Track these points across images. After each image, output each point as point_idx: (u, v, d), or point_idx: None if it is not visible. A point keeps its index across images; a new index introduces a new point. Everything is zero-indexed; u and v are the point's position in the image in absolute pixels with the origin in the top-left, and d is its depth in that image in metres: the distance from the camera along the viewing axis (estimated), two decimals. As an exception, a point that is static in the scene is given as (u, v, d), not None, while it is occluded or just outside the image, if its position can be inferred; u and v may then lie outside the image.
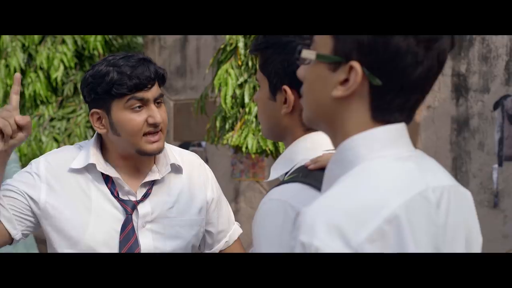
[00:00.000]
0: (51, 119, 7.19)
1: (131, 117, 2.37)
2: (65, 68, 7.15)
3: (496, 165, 5.28)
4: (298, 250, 1.29)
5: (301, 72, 1.50)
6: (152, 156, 2.49)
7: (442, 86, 5.58)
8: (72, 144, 6.66)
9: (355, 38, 1.37)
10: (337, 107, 1.42)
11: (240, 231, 2.75)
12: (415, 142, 5.41)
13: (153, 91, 2.39)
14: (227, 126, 5.22)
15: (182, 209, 2.53)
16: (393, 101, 1.39)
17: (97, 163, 2.42)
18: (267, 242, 1.68)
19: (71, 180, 2.43)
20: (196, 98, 5.84)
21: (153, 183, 2.50)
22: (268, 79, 1.86)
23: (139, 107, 2.37)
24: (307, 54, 1.44)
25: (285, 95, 1.83)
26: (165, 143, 2.49)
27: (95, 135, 2.50)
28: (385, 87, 1.38)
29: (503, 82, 5.31)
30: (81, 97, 6.98)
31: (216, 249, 2.67)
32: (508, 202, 5.26)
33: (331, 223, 1.27)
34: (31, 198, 2.40)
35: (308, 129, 1.84)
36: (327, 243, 1.27)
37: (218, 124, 5.26)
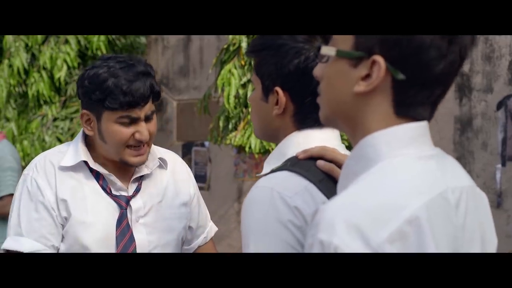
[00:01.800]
0: (55, 119, 7.19)
1: (118, 130, 2.40)
2: (68, 68, 7.15)
3: (499, 165, 5.28)
4: (316, 248, 1.28)
5: (318, 70, 1.47)
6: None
7: (445, 86, 5.58)
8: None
9: None
10: (359, 103, 1.39)
11: (215, 229, 2.79)
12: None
13: (146, 109, 2.41)
14: (230, 126, 5.22)
15: (170, 202, 2.56)
16: (416, 96, 1.37)
17: (88, 161, 2.45)
18: (253, 228, 1.70)
19: (63, 179, 2.44)
20: (199, 98, 5.84)
21: (141, 178, 2.52)
22: (261, 80, 1.87)
23: (129, 123, 2.40)
24: (327, 50, 1.42)
25: (277, 97, 1.84)
26: None
27: (80, 133, 2.52)
28: (408, 82, 1.35)
29: (506, 82, 5.31)
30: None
31: (195, 244, 2.70)
32: (511, 202, 5.25)
33: (351, 222, 1.26)
34: (53, 208, 2.42)
35: (300, 130, 1.85)
36: (347, 242, 1.25)
37: (221, 124, 5.26)
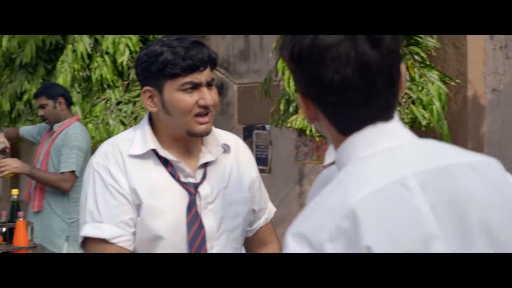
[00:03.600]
0: (118, 103, 7.30)
1: (182, 98, 2.41)
2: (131, 52, 7.24)
3: None
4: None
5: None
6: (200, 137, 2.53)
7: (507, 69, 5.51)
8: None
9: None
10: (321, 129, 1.57)
11: (274, 209, 2.82)
12: (479, 126, 5.36)
13: (206, 74, 2.43)
14: (291, 109, 5.24)
15: (235, 187, 2.59)
16: (343, 114, 1.49)
17: (157, 148, 2.46)
18: None
19: (132, 168, 2.45)
20: (260, 81, 5.87)
21: (206, 164, 2.54)
22: None
23: (191, 88, 2.42)
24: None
25: None
26: None
27: (145, 119, 2.54)
28: (327, 109, 1.50)
29: None
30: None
31: (257, 226, 2.73)
32: None
33: (298, 233, 1.42)
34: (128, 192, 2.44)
35: None
36: (295, 250, 1.40)
37: (282, 107, 5.28)
